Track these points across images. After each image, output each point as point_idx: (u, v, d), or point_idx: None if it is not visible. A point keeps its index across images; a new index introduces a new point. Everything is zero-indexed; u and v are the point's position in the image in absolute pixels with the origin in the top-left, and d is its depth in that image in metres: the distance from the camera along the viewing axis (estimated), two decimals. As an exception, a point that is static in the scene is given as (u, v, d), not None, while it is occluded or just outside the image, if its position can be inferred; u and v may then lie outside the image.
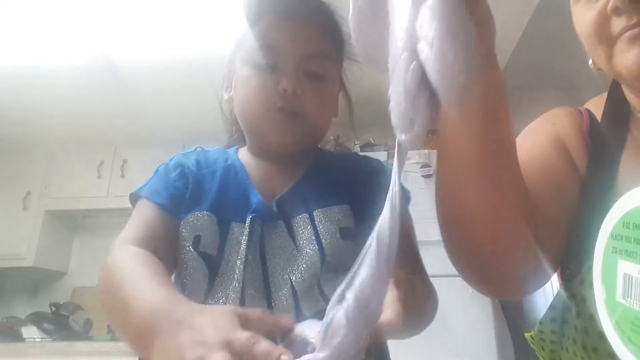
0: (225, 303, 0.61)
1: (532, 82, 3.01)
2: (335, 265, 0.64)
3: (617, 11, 0.53)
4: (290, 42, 0.68)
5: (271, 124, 0.68)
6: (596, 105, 0.69)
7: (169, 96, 2.94)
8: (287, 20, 0.70)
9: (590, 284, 0.43)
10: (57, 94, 2.85)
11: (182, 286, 0.66)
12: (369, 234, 0.66)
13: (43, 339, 2.90)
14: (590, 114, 0.68)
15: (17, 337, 2.89)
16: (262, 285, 0.63)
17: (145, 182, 0.71)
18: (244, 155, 0.76)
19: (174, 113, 3.14)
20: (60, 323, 2.94)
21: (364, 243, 0.65)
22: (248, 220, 0.65)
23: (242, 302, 0.61)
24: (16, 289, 3.41)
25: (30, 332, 2.92)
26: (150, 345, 0.43)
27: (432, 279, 0.68)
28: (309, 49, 0.69)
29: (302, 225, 0.66)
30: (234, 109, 0.74)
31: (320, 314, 0.60)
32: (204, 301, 0.63)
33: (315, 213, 0.66)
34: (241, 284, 0.62)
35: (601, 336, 0.40)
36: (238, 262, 0.63)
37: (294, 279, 0.63)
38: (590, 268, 0.52)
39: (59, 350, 2.65)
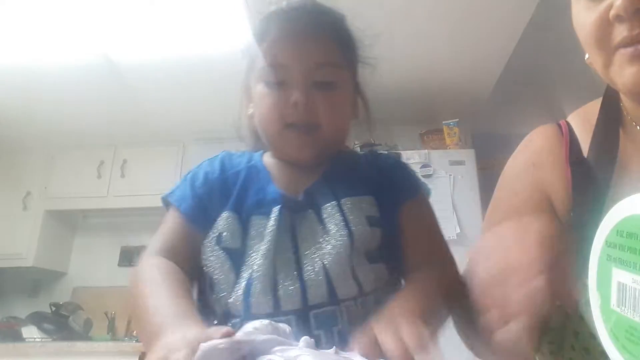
0: (255, 291, 0.63)
1: (532, 81, 3.01)
2: (364, 251, 0.66)
3: (619, 19, 0.51)
4: (296, 56, 0.70)
5: (288, 140, 0.71)
6: (580, 119, 0.69)
7: (169, 96, 2.94)
8: (291, 34, 0.72)
9: (587, 303, 0.43)
10: (57, 94, 2.85)
11: (211, 283, 0.68)
12: (390, 223, 0.68)
13: (43, 339, 2.90)
14: (571, 132, 0.68)
15: (17, 337, 2.89)
16: (294, 271, 0.64)
17: (175, 188, 0.76)
18: (268, 158, 0.78)
19: (174, 113, 3.14)
20: (60, 323, 2.94)
21: (387, 231, 0.68)
22: (276, 210, 0.67)
23: (274, 290, 0.62)
24: (16, 289, 3.42)
25: (30, 332, 2.92)
26: (152, 346, 0.49)
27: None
28: (316, 60, 0.70)
29: (331, 213, 0.68)
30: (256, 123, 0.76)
31: (354, 300, 0.63)
32: (231, 292, 0.65)
33: (343, 201, 0.68)
34: (272, 271, 0.63)
35: (604, 356, 0.39)
36: (264, 249, 0.64)
37: (326, 262, 0.64)
38: (584, 286, 0.52)
39: (59, 350, 2.65)
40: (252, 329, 0.45)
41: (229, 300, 0.64)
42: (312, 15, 0.74)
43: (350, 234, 0.65)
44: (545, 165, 0.67)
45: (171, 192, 0.74)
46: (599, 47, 0.55)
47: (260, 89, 0.72)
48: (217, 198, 0.72)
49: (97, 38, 2.38)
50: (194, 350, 0.42)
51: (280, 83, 0.70)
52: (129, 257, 3.48)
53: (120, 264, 3.48)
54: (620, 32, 0.52)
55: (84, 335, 3.02)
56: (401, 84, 2.89)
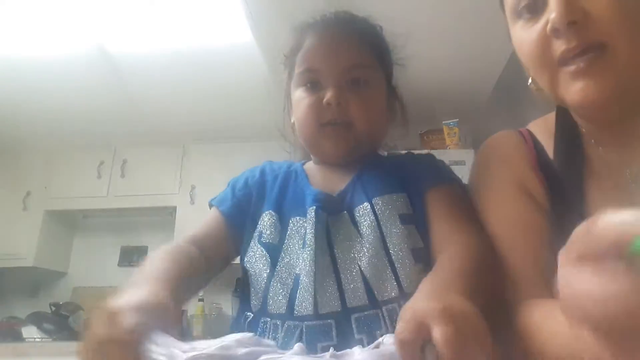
0: (298, 295, 0.64)
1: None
2: (411, 249, 0.66)
3: (556, 33, 0.53)
4: (329, 59, 0.74)
5: (323, 138, 0.75)
6: (541, 128, 0.69)
7: (169, 96, 2.94)
8: (325, 40, 0.77)
9: None
10: (57, 93, 2.85)
11: (248, 277, 0.71)
12: (423, 219, 0.69)
13: (43, 339, 2.90)
14: (534, 139, 0.67)
15: (17, 337, 2.88)
16: (332, 274, 0.65)
17: (220, 193, 0.82)
18: (309, 165, 0.83)
19: (175, 112, 3.14)
20: (60, 323, 2.94)
21: (420, 227, 0.68)
22: (313, 210, 0.69)
23: (314, 293, 0.63)
24: (16, 289, 3.41)
25: (30, 332, 2.91)
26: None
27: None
28: (348, 61, 0.74)
29: (363, 214, 0.69)
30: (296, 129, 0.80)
31: (397, 303, 0.61)
32: (267, 286, 0.67)
33: (375, 200, 0.70)
34: (314, 276, 0.64)
35: None
36: (306, 257, 0.65)
37: (361, 264, 0.65)
38: None
39: (59, 350, 2.64)
40: (234, 342, 0.45)
41: (270, 301, 0.66)
42: (345, 22, 0.80)
43: (383, 235, 0.66)
44: (518, 164, 0.66)
45: (215, 197, 0.81)
46: (542, 64, 0.56)
47: (298, 94, 0.77)
48: (256, 199, 0.77)
49: (98, 37, 2.38)
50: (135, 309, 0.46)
51: (315, 86, 0.74)
52: (129, 257, 3.48)
53: (120, 264, 3.48)
54: (559, 46, 0.53)
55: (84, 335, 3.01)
56: (401, 84, 2.89)
